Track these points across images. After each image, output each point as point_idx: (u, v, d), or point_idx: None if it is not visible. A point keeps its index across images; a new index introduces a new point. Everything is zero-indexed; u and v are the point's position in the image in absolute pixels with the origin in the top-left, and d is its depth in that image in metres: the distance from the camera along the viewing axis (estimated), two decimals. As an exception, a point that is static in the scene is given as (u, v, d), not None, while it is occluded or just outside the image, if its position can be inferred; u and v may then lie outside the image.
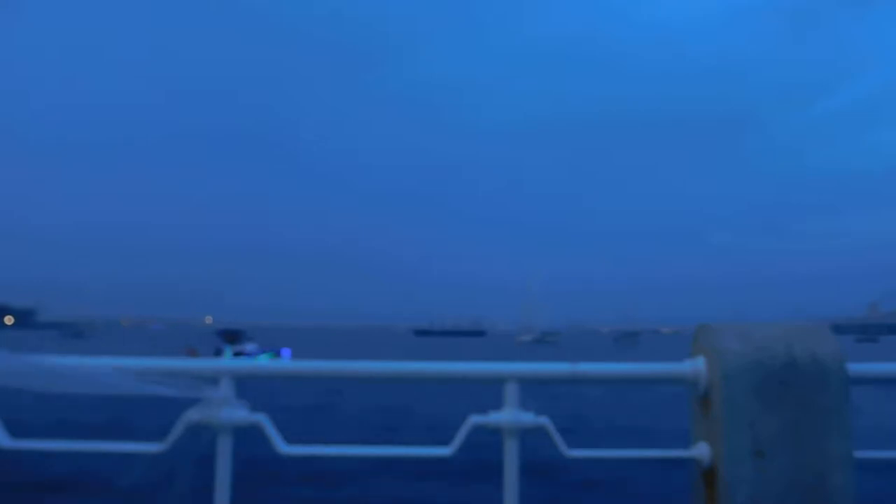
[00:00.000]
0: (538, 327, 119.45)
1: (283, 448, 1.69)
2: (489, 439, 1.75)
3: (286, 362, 1.84)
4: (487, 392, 1.86)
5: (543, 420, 1.72)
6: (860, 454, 1.64)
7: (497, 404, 1.74)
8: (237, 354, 34.43)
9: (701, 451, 1.71)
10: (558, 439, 1.71)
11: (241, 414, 1.66)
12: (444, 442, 1.73)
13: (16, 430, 1.68)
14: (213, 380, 1.67)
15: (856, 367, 1.70)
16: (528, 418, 1.71)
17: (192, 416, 1.63)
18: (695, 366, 1.76)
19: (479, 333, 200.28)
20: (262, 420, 1.69)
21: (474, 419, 1.72)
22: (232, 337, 38.82)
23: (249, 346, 37.03)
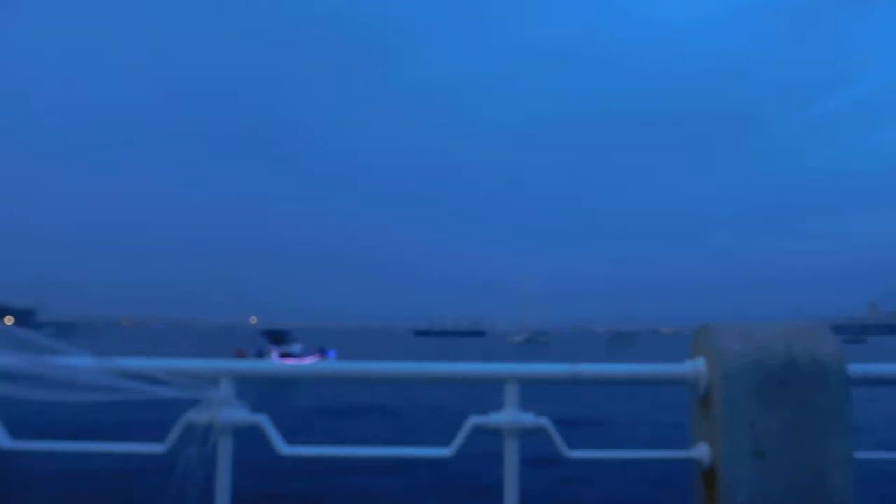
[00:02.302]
0: (531, 327, 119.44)
1: (284, 449, 1.69)
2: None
3: (286, 363, 1.84)
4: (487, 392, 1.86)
5: (543, 421, 1.72)
6: (860, 454, 1.64)
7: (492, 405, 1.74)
8: (284, 356, 34.02)
9: (701, 451, 1.71)
10: (558, 440, 1.71)
11: (241, 414, 1.66)
12: (445, 443, 1.73)
13: (16, 430, 1.68)
14: (213, 380, 1.67)
15: (856, 368, 1.70)
16: (529, 419, 1.70)
17: (192, 416, 1.63)
18: (695, 366, 1.76)
19: (479, 334, 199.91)
20: (263, 421, 1.69)
21: (474, 420, 1.72)
22: (278, 338, 37.85)
23: (296, 347, 36.48)
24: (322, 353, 35.04)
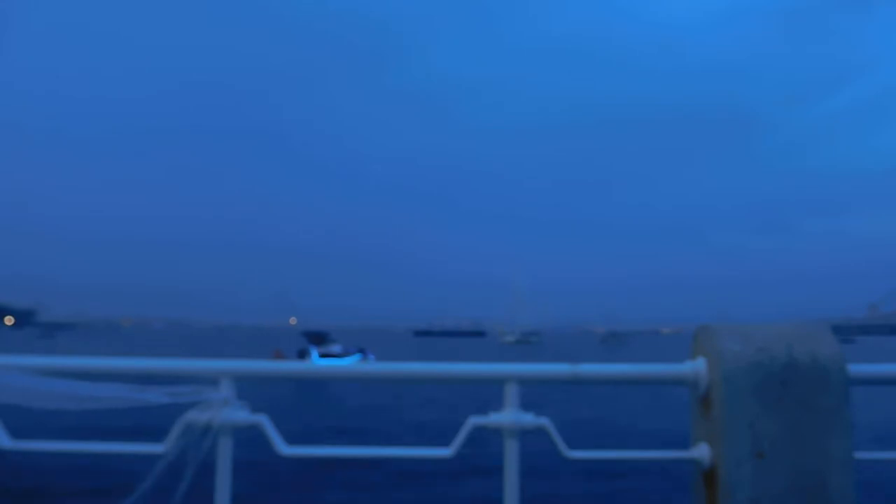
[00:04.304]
0: (526, 327, 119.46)
1: (284, 449, 1.69)
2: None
3: (286, 364, 1.84)
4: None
5: (543, 421, 1.72)
6: (860, 455, 1.64)
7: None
8: (324, 356, 34.38)
9: (701, 451, 1.71)
10: (559, 440, 1.71)
11: (241, 415, 1.66)
12: (445, 443, 1.74)
13: (17, 431, 1.68)
14: (212, 381, 1.67)
15: (856, 368, 1.70)
16: (529, 419, 1.71)
17: (192, 416, 1.63)
18: (695, 366, 1.76)
19: (480, 334, 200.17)
20: (263, 421, 1.69)
21: (474, 420, 1.72)
22: (318, 339, 38.49)
23: (335, 348, 36.92)
24: (362, 353, 35.21)
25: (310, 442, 1.82)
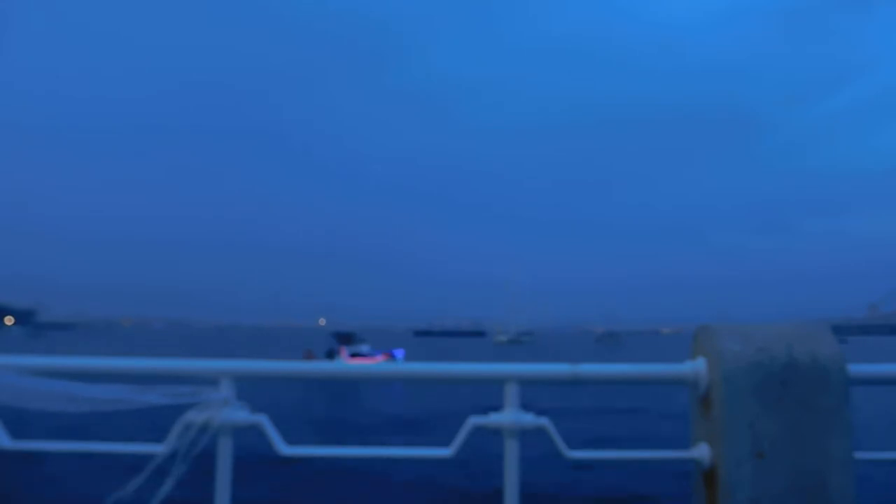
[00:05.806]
0: (522, 327, 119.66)
1: (284, 449, 1.69)
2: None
3: (286, 364, 1.84)
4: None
5: (543, 421, 1.72)
6: (860, 455, 1.64)
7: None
8: (353, 356, 35.05)
9: (701, 451, 1.71)
10: (559, 440, 1.71)
11: (241, 415, 1.66)
12: (445, 443, 1.74)
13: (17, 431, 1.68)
14: (212, 381, 1.67)
15: (856, 368, 1.70)
16: (529, 419, 1.71)
17: (192, 417, 1.63)
18: (695, 366, 1.76)
19: (480, 334, 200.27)
20: (263, 421, 1.69)
21: (474, 420, 1.72)
22: (347, 339, 39.03)
23: (364, 348, 37.51)
24: (389, 353, 35.68)
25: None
